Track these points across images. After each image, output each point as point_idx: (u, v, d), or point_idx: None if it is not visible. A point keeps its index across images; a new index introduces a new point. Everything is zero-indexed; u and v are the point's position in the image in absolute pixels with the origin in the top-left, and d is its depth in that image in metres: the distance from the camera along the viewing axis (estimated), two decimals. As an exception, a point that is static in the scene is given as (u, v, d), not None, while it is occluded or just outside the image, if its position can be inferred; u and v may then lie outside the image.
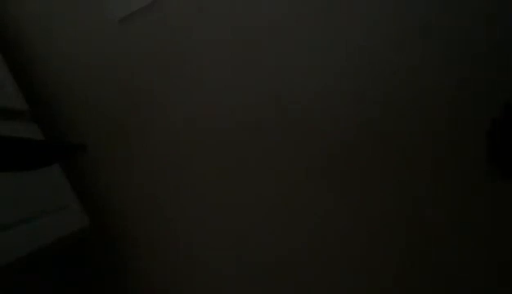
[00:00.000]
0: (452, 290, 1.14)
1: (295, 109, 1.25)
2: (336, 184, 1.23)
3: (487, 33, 1.10)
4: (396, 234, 1.18)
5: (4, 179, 0.97)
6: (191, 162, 1.36)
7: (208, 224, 1.35)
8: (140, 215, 1.42)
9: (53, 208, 1.15)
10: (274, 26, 1.25)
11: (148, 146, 1.39)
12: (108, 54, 1.40)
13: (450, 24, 1.13)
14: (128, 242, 1.43)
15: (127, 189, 1.42)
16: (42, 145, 0.86)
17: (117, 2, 1.35)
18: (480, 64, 1.11)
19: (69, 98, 1.45)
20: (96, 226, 1.41)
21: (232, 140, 1.31)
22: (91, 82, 1.43)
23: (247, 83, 1.28)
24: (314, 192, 1.25)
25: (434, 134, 1.14)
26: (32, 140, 0.90)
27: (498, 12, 1.08)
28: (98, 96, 1.42)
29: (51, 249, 1.08)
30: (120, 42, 1.38)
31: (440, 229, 1.15)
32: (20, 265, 1.00)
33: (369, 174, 1.20)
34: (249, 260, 1.32)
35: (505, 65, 1.08)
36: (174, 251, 1.39)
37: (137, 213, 1.42)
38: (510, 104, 0.90)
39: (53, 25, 1.44)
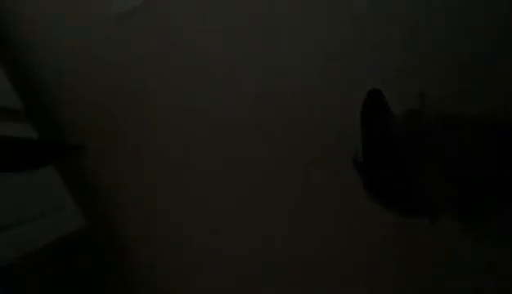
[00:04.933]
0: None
1: (295, 109, 1.25)
2: (336, 185, 1.23)
3: (487, 33, 1.10)
4: (395, 234, 1.18)
5: (1, 180, 0.96)
6: (191, 161, 1.36)
7: (209, 224, 1.36)
8: (139, 215, 1.42)
9: (48, 209, 1.14)
10: (273, 25, 1.25)
11: (147, 146, 1.39)
12: (106, 52, 1.40)
13: (447, 24, 1.12)
14: (127, 242, 1.43)
15: (126, 189, 1.42)
16: (37, 145, 0.85)
17: (117, 1, 1.35)
18: (480, 65, 1.10)
19: (66, 97, 1.45)
20: (96, 226, 1.41)
21: (231, 140, 1.31)
22: (89, 81, 1.43)
23: (246, 82, 1.28)
24: (313, 192, 1.25)
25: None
26: (27, 139, 0.90)
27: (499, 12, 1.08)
28: (97, 95, 1.42)
29: (49, 250, 1.08)
30: (119, 40, 1.38)
31: (440, 230, 1.14)
32: (18, 265, 1.00)
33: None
34: (249, 261, 1.32)
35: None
36: (174, 250, 1.39)
37: (137, 213, 1.42)
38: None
39: (51, 24, 1.44)
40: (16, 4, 1.46)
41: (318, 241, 1.26)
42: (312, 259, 1.26)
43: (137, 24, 1.36)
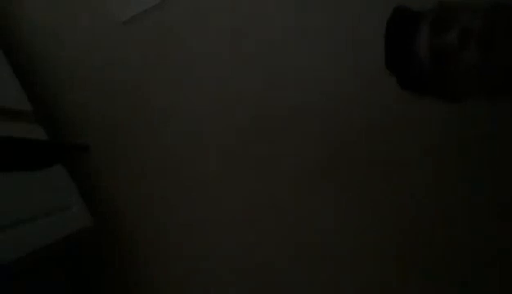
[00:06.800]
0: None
1: (297, 110, 1.25)
2: (338, 185, 1.23)
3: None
4: (395, 234, 1.19)
5: (7, 179, 0.97)
6: (192, 161, 1.36)
7: (209, 225, 1.36)
8: (142, 215, 1.42)
9: (56, 208, 1.15)
10: (275, 27, 1.25)
11: (150, 147, 1.39)
12: (110, 55, 1.39)
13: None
14: (129, 242, 1.43)
15: (129, 190, 1.42)
16: (45, 146, 0.85)
17: (119, 4, 1.35)
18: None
19: (72, 99, 1.45)
20: (98, 226, 1.41)
21: (234, 141, 1.31)
22: (94, 83, 1.42)
23: (249, 84, 1.29)
24: (315, 193, 1.26)
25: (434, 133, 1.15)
26: (35, 140, 0.90)
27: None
28: (101, 97, 1.42)
29: (54, 249, 1.08)
30: (122, 44, 1.38)
31: (440, 228, 1.16)
32: (21, 264, 1.00)
33: (369, 174, 1.21)
34: (249, 261, 1.33)
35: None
36: (175, 251, 1.39)
37: (139, 213, 1.42)
38: (400, 7, 0.78)
39: (56, 27, 1.43)
40: (18, 7, 1.45)
41: (320, 243, 1.26)
42: (314, 260, 1.27)
43: (140, 28, 1.35)
